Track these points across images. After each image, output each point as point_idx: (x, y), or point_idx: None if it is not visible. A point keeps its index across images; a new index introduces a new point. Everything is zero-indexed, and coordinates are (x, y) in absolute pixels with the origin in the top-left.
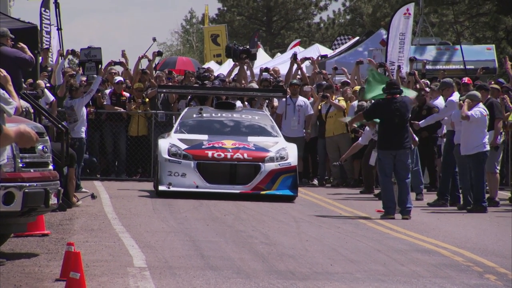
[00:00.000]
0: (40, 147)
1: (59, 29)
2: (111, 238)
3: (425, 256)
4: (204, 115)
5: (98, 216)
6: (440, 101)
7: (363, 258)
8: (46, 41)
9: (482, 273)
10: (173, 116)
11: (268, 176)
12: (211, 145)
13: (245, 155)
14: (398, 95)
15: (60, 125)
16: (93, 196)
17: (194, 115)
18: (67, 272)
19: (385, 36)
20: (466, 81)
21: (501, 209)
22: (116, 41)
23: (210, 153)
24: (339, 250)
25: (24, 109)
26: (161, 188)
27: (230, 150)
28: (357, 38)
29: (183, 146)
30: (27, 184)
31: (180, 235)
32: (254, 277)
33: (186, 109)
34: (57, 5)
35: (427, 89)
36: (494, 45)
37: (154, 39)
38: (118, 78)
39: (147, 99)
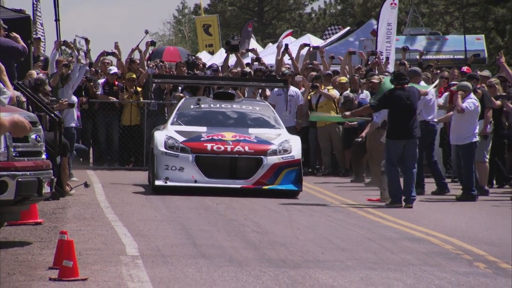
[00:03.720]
0: (33, 136)
1: (57, 20)
2: (104, 227)
3: (415, 244)
4: (203, 106)
5: (91, 205)
6: None
7: (353, 246)
8: (40, 31)
9: (472, 261)
10: (165, 106)
11: (271, 170)
12: (210, 137)
13: (246, 148)
14: (406, 85)
15: (53, 115)
16: (86, 185)
17: (192, 106)
18: (60, 260)
19: (375, 27)
20: (465, 70)
21: (491, 198)
22: (109, 31)
23: (209, 146)
24: (330, 238)
25: (15, 98)
26: (157, 183)
27: (231, 143)
28: (348, 28)
29: (181, 139)
30: (20, 173)
31: (173, 224)
32: (246, 265)
33: (183, 100)
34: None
35: None
36: (483, 35)
37: (147, 32)
38: (113, 70)
39: (139, 89)
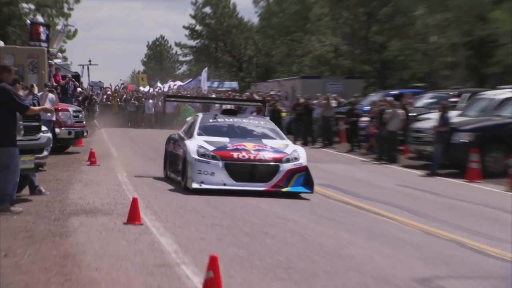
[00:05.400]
0: (80, 115)
1: (88, 75)
2: (111, 157)
3: None
4: (219, 120)
5: (103, 142)
6: None
7: None
8: (81, 79)
9: None
10: (139, 108)
11: (286, 175)
12: (235, 147)
13: (266, 156)
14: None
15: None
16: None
17: (210, 120)
18: (90, 158)
19: (200, 79)
20: (230, 93)
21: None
22: (107, 79)
23: (235, 154)
24: None
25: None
26: (194, 185)
27: (253, 152)
28: (191, 79)
29: (210, 148)
30: (76, 128)
31: (145, 158)
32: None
33: (201, 115)
34: (88, 67)
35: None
36: (237, 82)
37: (120, 80)
38: (109, 92)
39: (118, 100)
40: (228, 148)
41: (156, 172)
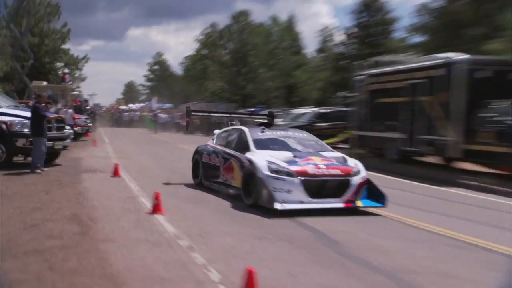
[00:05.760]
0: (88, 121)
1: (92, 100)
2: (105, 142)
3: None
4: (267, 133)
5: (100, 135)
6: None
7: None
8: (89, 102)
9: None
10: (132, 116)
11: (356, 189)
12: (305, 162)
13: (338, 171)
14: None
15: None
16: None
17: (260, 133)
18: (94, 143)
19: (152, 101)
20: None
21: None
22: (102, 102)
23: (309, 170)
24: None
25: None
26: (277, 206)
27: (324, 167)
28: (147, 102)
29: (282, 163)
30: (85, 128)
31: (123, 143)
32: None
33: (249, 129)
34: (92, 96)
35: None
36: (172, 104)
37: (110, 103)
38: (103, 109)
39: (108, 112)
40: (299, 163)
41: (129, 151)
